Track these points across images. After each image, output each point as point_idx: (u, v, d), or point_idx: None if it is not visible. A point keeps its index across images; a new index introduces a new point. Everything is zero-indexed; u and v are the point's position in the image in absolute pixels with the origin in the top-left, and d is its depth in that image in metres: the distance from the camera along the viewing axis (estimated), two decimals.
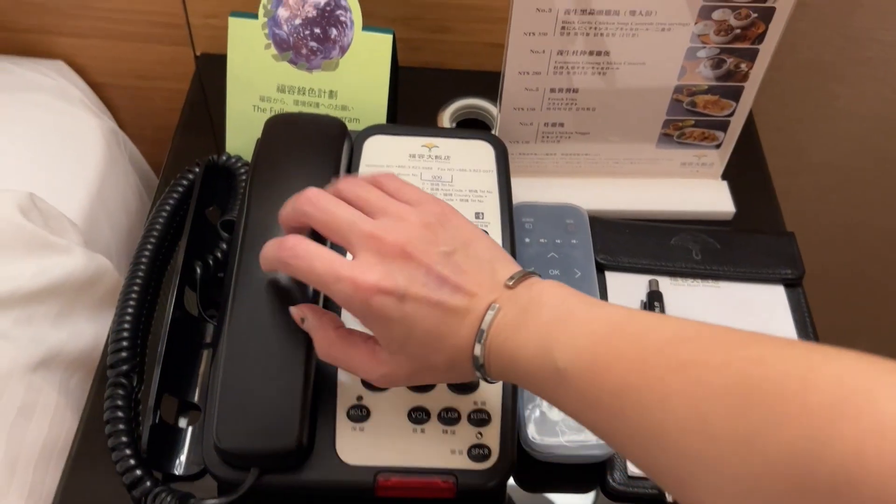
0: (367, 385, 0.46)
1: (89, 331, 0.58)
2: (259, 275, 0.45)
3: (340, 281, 0.38)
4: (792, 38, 0.75)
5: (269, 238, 0.46)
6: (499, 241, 0.52)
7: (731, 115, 0.59)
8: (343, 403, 0.46)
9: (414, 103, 0.70)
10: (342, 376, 0.46)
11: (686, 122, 0.59)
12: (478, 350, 0.38)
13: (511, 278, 0.39)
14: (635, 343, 0.34)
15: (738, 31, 0.53)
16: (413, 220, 0.39)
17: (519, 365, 0.37)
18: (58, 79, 0.71)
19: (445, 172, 0.55)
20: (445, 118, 0.69)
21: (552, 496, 0.50)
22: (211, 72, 0.71)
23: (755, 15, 0.52)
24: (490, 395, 0.47)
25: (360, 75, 0.60)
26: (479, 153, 0.56)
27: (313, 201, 0.41)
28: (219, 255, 0.55)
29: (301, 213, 0.41)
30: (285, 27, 0.59)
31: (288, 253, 0.40)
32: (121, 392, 0.49)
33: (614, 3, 0.51)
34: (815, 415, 0.27)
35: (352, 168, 0.55)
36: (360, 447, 0.45)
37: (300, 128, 0.53)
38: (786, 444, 0.27)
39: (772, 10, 0.52)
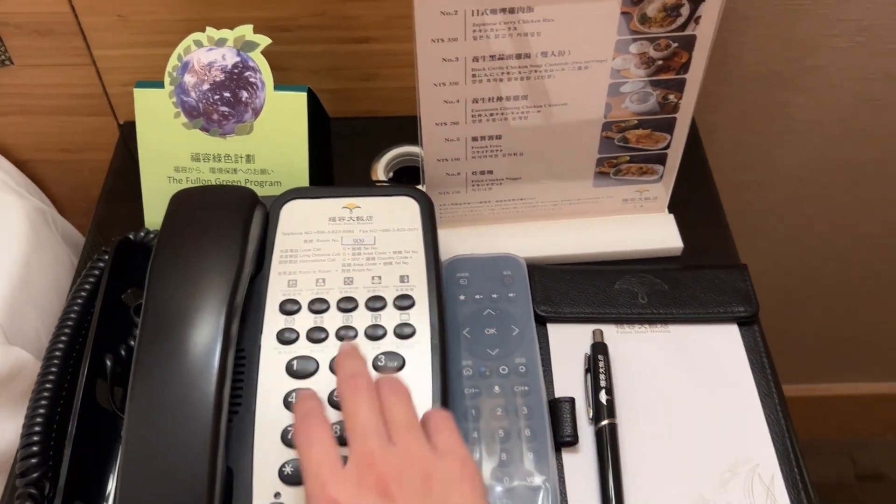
0: (284, 479, 0.43)
1: (10, 429, 0.55)
2: (157, 364, 0.43)
3: (316, 477, 0.37)
4: (738, 52, 0.72)
5: (167, 324, 0.44)
6: (425, 304, 0.49)
7: (667, 147, 0.56)
8: (259, 502, 0.43)
9: (348, 155, 0.67)
10: (258, 472, 0.43)
11: (621, 159, 0.56)
12: None
13: None
14: None
15: (661, 62, 0.50)
16: (418, 465, 0.37)
17: None
18: None
19: (368, 234, 0.52)
20: (380, 169, 0.66)
21: None
22: (136, 139, 0.69)
23: (676, 45, 0.49)
24: None
25: (277, 137, 0.57)
26: (403, 211, 0.53)
27: (352, 376, 0.40)
28: (132, 342, 0.52)
29: (340, 381, 0.41)
30: (193, 94, 0.56)
31: (302, 421, 0.39)
32: None
33: (524, 47, 0.48)
34: None
35: (267, 237, 0.52)
36: None
37: (205, 201, 0.50)
38: None
39: (692, 39, 0.49)
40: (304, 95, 0.57)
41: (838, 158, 0.83)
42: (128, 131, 0.70)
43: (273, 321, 0.48)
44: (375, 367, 0.46)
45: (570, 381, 0.52)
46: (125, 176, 0.68)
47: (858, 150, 0.81)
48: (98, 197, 0.67)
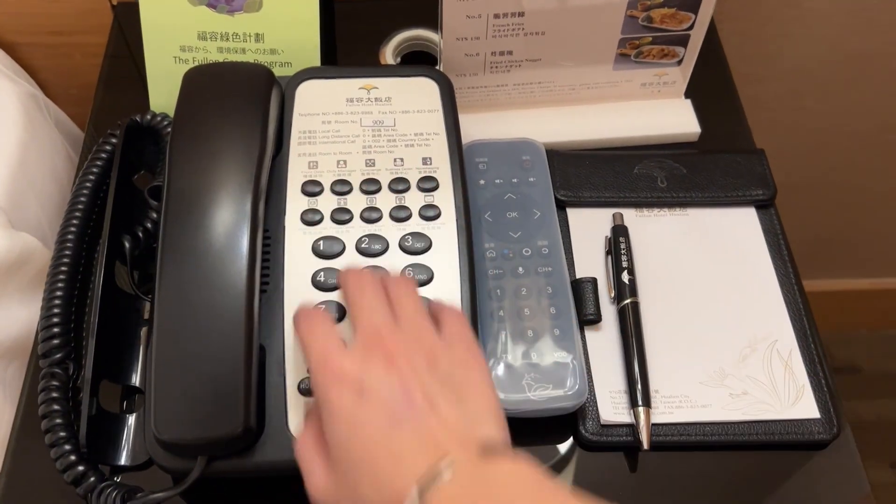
0: None
1: (23, 315, 0.54)
2: (187, 244, 0.42)
3: (321, 355, 0.36)
4: None
5: (195, 205, 0.43)
6: (449, 186, 0.48)
7: (691, 28, 0.54)
8: (293, 377, 0.43)
9: (353, 40, 0.65)
10: (290, 348, 0.43)
11: (643, 40, 0.55)
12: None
13: (486, 448, 0.33)
14: None
15: None
16: (426, 345, 0.36)
17: None
18: None
19: (387, 116, 0.51)
20: (388, 53, 0.64)
21: (524, 450, 0.47)
22: (131, 21, 0.65)
23: None
24: None
25: (287, 14, 0.55)
26: (422, 91, 0.52)
27: (357, 274, 0.40)
28: (149, 225, 0.51)
29: (343, 280, 0.41)
30: None
31: (303, 316, 0.39)
32: (55, 383, 0.45)
33: None
34: None
35: (284, 118, 0.50)
36: None
37: (221, 79, 0.48)
38: None
39: None
40: None
41: (844, 52, 0.82)
42: (122, 12, 0.67)
43: (296, 202, 0.47)
44: (402, 248, 0.46)
45: (591, 263, 0.52)
46: (122, 61, 0.65)
47: (865, 44, 0.81)
48: (95, 84, 0.64)
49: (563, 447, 0.47)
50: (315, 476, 0.36)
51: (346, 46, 0.65)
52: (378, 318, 0.37)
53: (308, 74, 0.52)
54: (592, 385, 0.47)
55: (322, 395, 0.35)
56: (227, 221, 0.43)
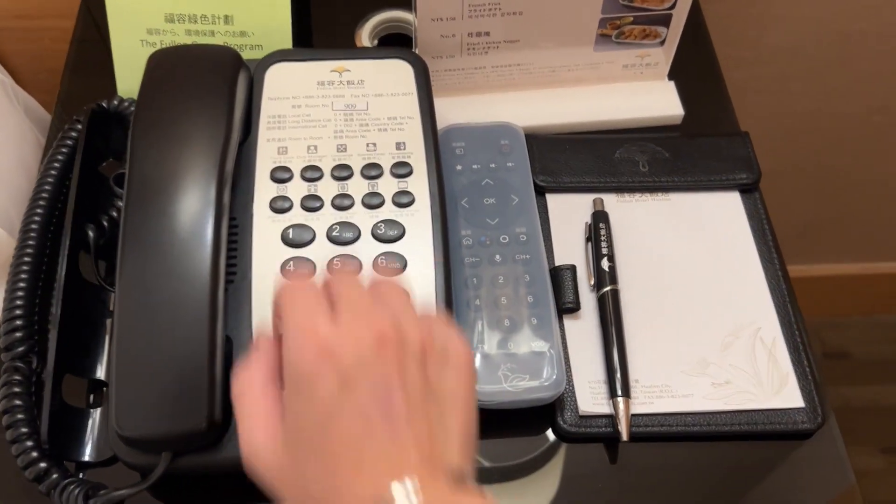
0: None
1: None
2: (149, 232, 0.40)
3: (301, 319, 0.31)
4: None
5: (157, 192, 0.42)
6: (423, 171, 0.47)
7: (673, 7, 0.53)
8: None
9: (329, 22, 0.64)
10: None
11: (624, 20, 0.53)
12: None
13: (455, 477, 0.30)
14: None
15: None
16: (424, 325, 0.31)
17: None
18: None
19: (360, 99, 0.49)
20: (364, 36, 0.62)
21: (502, 442, 0.46)
22: (99, 3, 0.64)
23: None
24: None
25: None
26: (396, 74, 0.51)
27: (338, 272, 0.35)
28: (114, 214, 0.50)
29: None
30: None
31: (288, 280, 0.34)
32: (17, 377, 0.44)
33: None
34: None
35: (252, 102, 0.49)
36: None
37: (186, 62, 0.47)
38: None
39: None
40: None
41: (831, 33, 0.81)
42: None
43: (264, 189, 0.46)
44: (375, 236, 0.45)
45: (570, 250, 0.51)
46: (91, 46, 0.63)
47: (852, 24, 0.79)
48: (62, 69, 0.62)
49: (541, 439, 0.46)
50: (258, 434, 0.32)
51: (323, 30, 0.63)
52: (360, 294, 0.32)
53: (278, 57, 0.51)
54: (571, 375, 0.46)
55: (297, 367, 0.30)
56: (191, 209, 0.41)
